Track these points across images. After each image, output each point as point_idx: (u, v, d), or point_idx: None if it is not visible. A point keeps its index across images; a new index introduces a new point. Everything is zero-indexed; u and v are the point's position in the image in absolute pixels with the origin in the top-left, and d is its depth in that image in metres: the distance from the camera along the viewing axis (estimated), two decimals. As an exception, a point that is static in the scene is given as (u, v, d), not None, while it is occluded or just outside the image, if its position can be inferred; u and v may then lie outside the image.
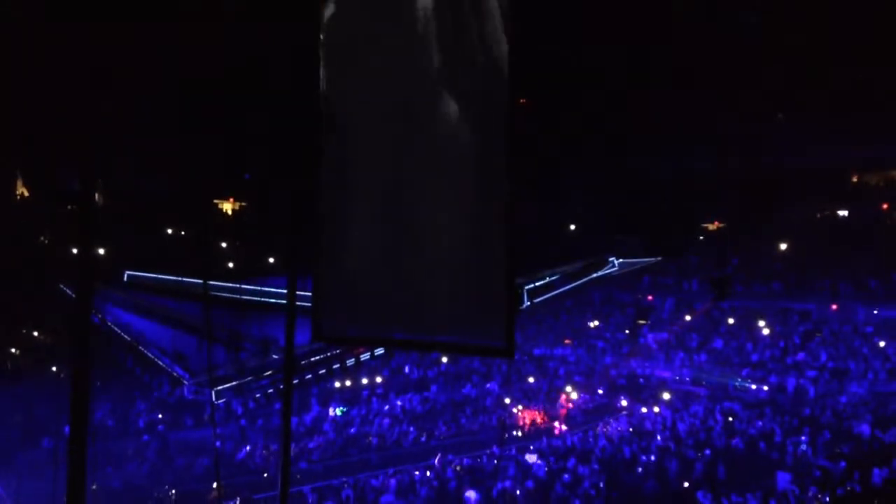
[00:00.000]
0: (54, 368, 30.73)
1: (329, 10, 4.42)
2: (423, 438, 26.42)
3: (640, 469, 21.57)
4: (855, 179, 40.42)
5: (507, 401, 30.58)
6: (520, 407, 29.75)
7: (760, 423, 25.63)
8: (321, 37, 4.53)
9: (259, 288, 31.90)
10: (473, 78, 4.01)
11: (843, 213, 38.26)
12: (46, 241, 38.55)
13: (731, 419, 26.50)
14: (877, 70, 28.73)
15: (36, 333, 33.17)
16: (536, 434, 26.77)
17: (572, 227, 42.43)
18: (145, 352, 32.06)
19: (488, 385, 32.69)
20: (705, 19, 26.52)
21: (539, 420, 28.53)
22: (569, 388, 31.56)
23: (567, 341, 37.60)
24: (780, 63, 29.76)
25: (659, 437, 24.77)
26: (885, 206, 38.08)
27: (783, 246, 35.77)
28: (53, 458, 21.32)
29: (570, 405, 30.36)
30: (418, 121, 4.14)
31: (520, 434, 27.29)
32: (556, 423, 28.21)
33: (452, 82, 4.07)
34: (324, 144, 4.39)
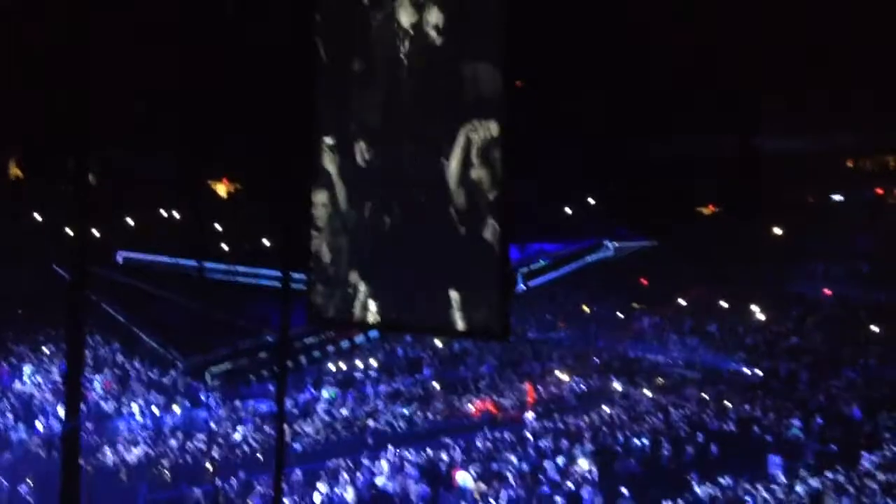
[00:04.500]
0: (45, 349, 30.72)
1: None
2: (417, 420, 26.50)
3: (632, 452, 21.71)
4: (850, 164, 40.41)
5: (501, 383, 30.71)
6: (512, 389, 29.84)
7: (753, 407, 25.80)
8: (318, 18, 4.51)
9: (254, 270, 31.86)
10: (469, 63, 4.00)
11: (837, 197, 38.26)
12: (40, 222, 38.41)
13: (723, 402, 26.65)
14: (874, 54, 28.70)
15: (29, 313, 33.11)
16: (529, 416, 26.83)
17: (567, 210, 42.41)
18: (139, 333, 32.04)
19: (482, 368, 32.78)
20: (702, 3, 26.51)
21: (531, 402, 28.59)
22: (562, 371, 31.66)
23: (561, 324, 37.69)
24: (776, 46, 29.76)
25: (652, 420, 24.90)
26: (879, 190, 38.11)
27: (777, 230, 35.81)
28: (48, 439, 21.43)
29: (563, 388, 30.45)
30: (412, 109, 4.14)
31: (512, 415, 27.34)
32: (550, 406, 28.28)
33: (448, 69, 4.06)
34: (320, 132, 4.38)
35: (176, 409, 26.20)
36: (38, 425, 23.24)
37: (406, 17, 4.27)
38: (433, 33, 4.21)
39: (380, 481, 19.09)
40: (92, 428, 22.60)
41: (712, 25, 28.16)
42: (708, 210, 41.67)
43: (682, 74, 31.00)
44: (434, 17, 4.13)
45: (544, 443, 22.40)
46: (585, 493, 18.09)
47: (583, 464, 20.03)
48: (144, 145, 33.02)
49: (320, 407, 27.05)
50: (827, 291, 33.97)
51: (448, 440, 22.62)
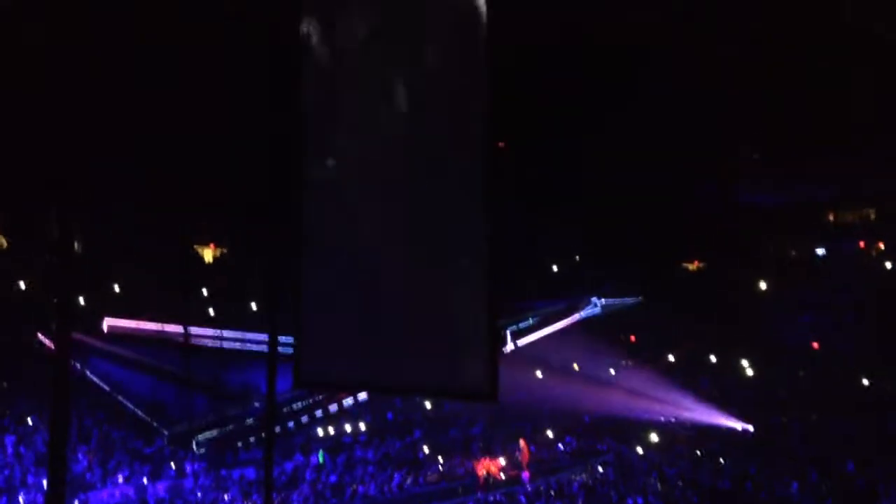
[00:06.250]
0: (30, 421, 30.17)
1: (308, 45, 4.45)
2: (408, 484, 26.09)
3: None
4: (832, 217, 40.85)
5: (493, 444, 30.34)
6: (504, 450, 29.48)
7: (747, 463, 25.57)
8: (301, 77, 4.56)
9: (240, 335, 31.64)
10: (451, 122, 4.05)
11: (820, 251, 38.57)
12: (24, 290, 38.07)
13: (717, 459, 26.41)
14: (853, 108, 29.22)
15: (12, 383, 32.59)
16: (521, 477, 26.49)
17: (555, 267, 42.53)
18: (125, 402, 31.59)
19: (473, 429, 32.41)
20: (685, 59, 27.05)
21: (524, 463, 28.24)
22: (554, 431, 31.36)
23: (551, 382, 37.43)
24: (757, 102, 30.29)
25: (645, 478, 24.63)
26: (861, 243, 38.45)
27: (762, 284, 36.02)
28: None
29: (555, 447, 30.13)
30: (396, 169, 4.17)
31: (505, 477, 26.99)
32: (542, 466, 27.94)
33: (430, 127, 4.11)
34: (303, 193, 4.41)
35: (161, 478, 25.72)
36: (21, 499, 22.75)
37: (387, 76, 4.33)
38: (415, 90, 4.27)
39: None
40: (76, 498, 22.14)
41: (694, 80, 28.68)
42: (693, 266, 41.87)
43: (663, 130, 31.46)
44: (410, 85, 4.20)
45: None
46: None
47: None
48: (131, 211, 33.01)
49: (309, 473, 26.63)
50: (815, 344, 33.98)
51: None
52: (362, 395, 31.05)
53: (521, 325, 35.98)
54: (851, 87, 28.91)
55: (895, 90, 27.47)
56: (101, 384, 32.32)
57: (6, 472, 24.80)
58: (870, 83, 27.85)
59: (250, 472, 26.33)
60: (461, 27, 4.10)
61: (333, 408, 32.23)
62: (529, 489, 24.37)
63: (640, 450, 28.80)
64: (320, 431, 31.10)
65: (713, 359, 34.77)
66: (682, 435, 30.60)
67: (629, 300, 38.47)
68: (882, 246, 37.79)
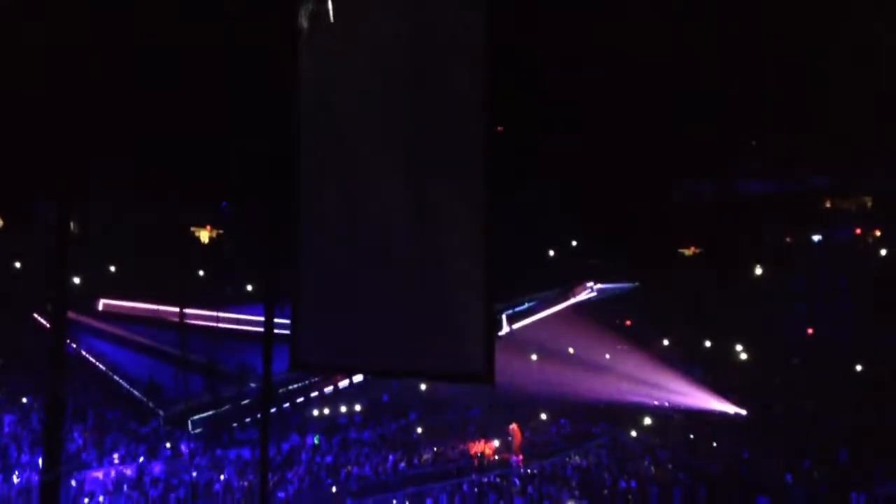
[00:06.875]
0: (25, 400, 30.17)
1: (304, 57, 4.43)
2: (403, 466, 26.18)
3: (619, 494, 21.53)
4: (828, 204, 40.83)
5: (488, 427, 30.44)
6: (499, 433, 29.59)
7: (740, 448, 25.70)
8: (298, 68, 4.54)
9: (236, 316, 31.62)
10: (449, 107, 4.04)
11: (816, 237, 38.59)
12: (20, 270, 37.96)
13: (711, 443, 26.53)
14: (853, 108, 29.12)
15: (8, 362, 32.56)
16: (512, 461, 26.60)
17: (551, 252, 42.50)
18: (120, 382, 31.60)
19: (469, 412, 32.51)
20: (683, 49, 26.96)
21: (518, 445, 28.36)
22: (549, 414, 31.47)
23: (547, 367, 37.52)
24: (757, 102, 30.21)
25: (639, 462, 24.76)
26: (858, 230, 38.48)
27: (758, 270, 36.05)
28: (26, 490, 21.00)
29: (550, 430, 30.23)
30: (394, 154, 4.17)
31: (499, 459, 27.10)
32: (537, 449, 28.05)
33: (429, 113, 4.11)
34: (302, 177, 4.40)
35: (157, 458, 25.78)
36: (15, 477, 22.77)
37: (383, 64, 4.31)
38: (413, 78, 4.25)
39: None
40: (72, 478, 22.16)
41: (693, 70, 28.59)
42: (690, 251, 41.88)
43: (662, 118, 31.40)
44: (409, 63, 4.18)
45: (531, 487, 22.20)
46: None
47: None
48: (127, 191, 32.89)
49: (304, 454, 26.71)
50: (809, 331, 34.07)
51: (434, 486, 22.38)
52: (358, 378, 31.09)
53: (517, 308, 35.99)
54: (851, 87, 28.80)
55: (895, 90, 27.37)
56: (97, 364, 32.31)
57: (1, 450, 24.83)
58: (870, 83, 27.75)
59: (246, 453, 26.40)
60: (461, 27, 4.08)
61: (329, 389, 32.29)
62: (523, 471, 24.46)
63: (634, 433, 28.92)
64: (316, 413, 31.16)
65: (708, 344, 34.86)
66: (676, 419, 30.74)
67: (625, 285, 38.50)
68: (878, 233, 37.83)
